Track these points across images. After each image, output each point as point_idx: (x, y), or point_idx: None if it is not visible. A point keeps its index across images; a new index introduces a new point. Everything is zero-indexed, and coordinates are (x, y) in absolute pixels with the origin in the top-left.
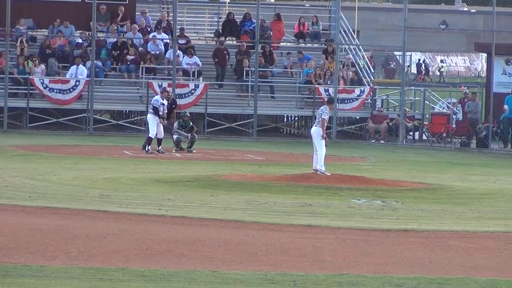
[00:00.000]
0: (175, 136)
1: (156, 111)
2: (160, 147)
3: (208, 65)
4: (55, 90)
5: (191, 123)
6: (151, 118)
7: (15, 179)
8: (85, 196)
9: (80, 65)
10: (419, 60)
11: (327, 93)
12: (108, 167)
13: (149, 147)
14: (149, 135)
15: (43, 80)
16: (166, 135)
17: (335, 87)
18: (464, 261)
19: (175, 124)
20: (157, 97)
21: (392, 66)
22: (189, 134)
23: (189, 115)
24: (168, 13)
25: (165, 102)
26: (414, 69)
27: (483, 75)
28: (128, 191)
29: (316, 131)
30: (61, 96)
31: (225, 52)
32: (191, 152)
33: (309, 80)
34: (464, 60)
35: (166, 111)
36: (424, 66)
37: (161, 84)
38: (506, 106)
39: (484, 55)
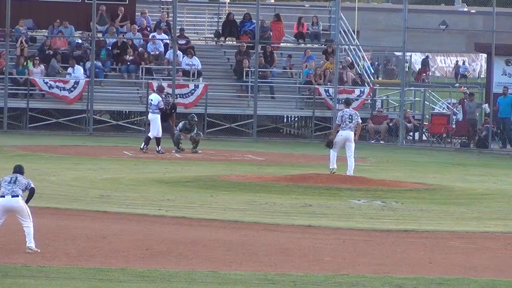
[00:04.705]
0: (176, 133)
1: (162, 110)
2: (160, 147)
3: (208, 66)
4: (59, 88)
5: (195, 129)
6: (156, 118)
7: None
8: (85, 197)
9: (76, 65)
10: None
11: (327, 94)
12: (108, 167)
13: (147, 146)
14: (149, 135)
15: (43, 79)
16: (164, 135)
17: (335, 87)
18: (464, 261)
19: (180, 125)
20: (157, 96)
21: (387, 66)
22: (192, 133)
23: (196, 119)
24: (168, 14)
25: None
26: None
27: (483, 75)
28: (128, 192)
29: (352, 135)
30: (66, 93)
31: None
32: (197, 153)
33: (309, 80)
34: (464, 61)
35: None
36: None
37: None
38: (485, 105)
39: (484, 55)
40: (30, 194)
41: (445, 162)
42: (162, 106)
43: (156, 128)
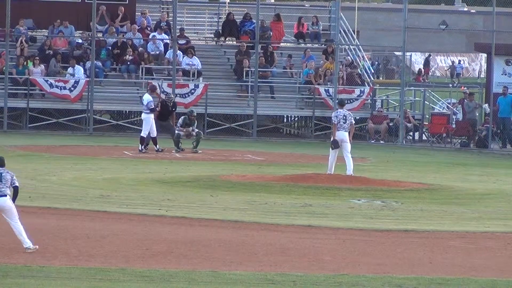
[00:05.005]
0: (176, 132)
1: (153, 111)
2: (158, 146)
3: (208, 66)
4: (59, 87)
5: (195, 123)
6: (147, 118)
7: None
8: (85, 197)
9: (76, 65)
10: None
11: (327, 94)
12: (108, 167)
13: (143, 146)
14: (141, 134)
15: (43, 78)
16: (164, 134)
17: (335, 87)
18: (464, 261)
19: (179, 121)
20: (148, 96)
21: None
22: (194, 131)
23: (195, 114)
24: (168, 14)
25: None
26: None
27: (483, 75)
28: (128, 192)
29: (347, 135)
30: (67, 92)
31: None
32: (196, 152)
33: (309, 80)
34: (463, 60)
35: (159, 108)
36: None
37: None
38: (485, 105)
39: (484, 55)
40: (15, 192)
41: (445, 162)
42: (152, 107)
43: (147, 127)
